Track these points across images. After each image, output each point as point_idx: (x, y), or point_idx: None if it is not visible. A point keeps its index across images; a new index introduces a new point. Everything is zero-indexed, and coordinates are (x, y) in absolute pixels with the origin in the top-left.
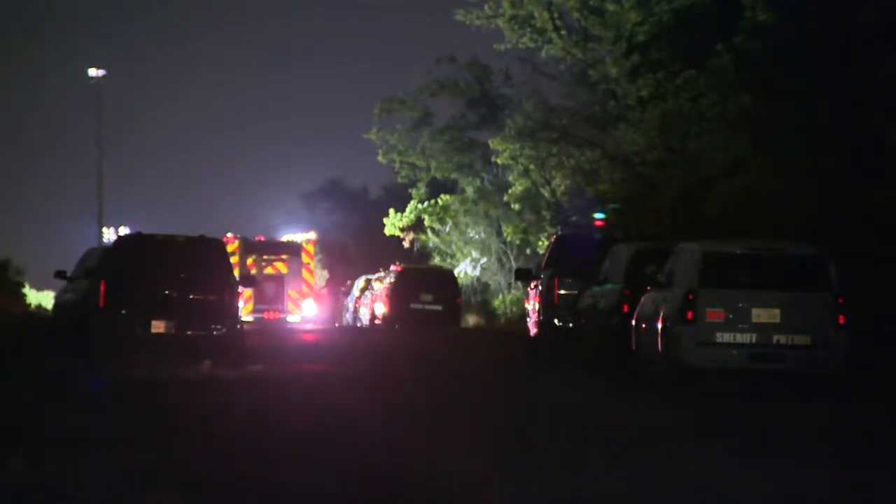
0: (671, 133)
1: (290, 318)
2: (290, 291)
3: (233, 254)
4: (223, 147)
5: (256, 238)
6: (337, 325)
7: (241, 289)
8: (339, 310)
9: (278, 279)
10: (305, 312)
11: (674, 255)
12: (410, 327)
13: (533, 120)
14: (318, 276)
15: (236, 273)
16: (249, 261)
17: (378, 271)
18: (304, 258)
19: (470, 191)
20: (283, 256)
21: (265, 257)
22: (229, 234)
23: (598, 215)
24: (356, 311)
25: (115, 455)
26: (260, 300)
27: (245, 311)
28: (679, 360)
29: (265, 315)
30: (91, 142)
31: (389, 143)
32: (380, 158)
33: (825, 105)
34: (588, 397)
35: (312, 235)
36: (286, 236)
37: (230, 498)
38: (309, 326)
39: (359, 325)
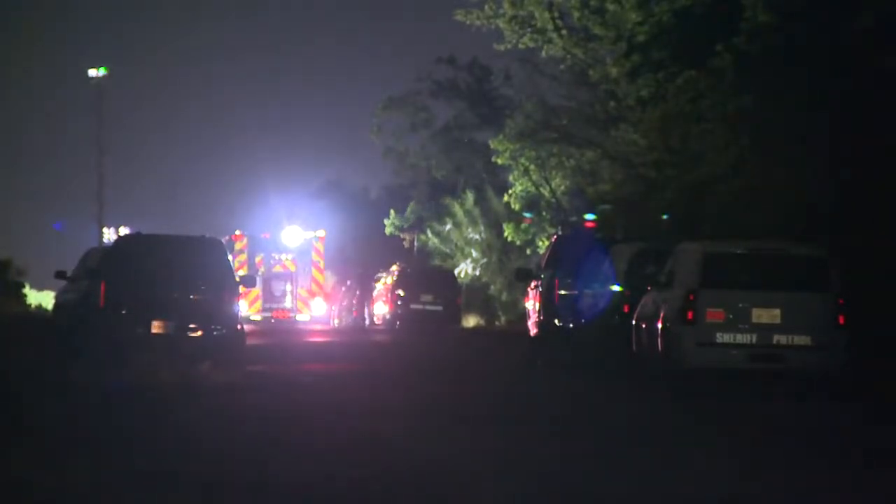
0: (671, 133)
1: (299, 318)
2: (300, 290)
3: (241, 251)
4: (223, 147)
5: (262, 235)
6: (338, 323)
7: (245, 288)
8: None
9: (287, 277)
10: (315, 311)
11: (674, 255)
12: (411, 327)
13: (533, 120)
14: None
15: (243, 272)
16: (258, 258)
17: (378, 271)
18: (314, 256)
19: (470, 197)
20: (292, 254)
21: (274, 255)
22: (238, 232)
23: (589, 216)
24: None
25: (116, 455)
26: (269, 299)
27: (253, 310)
28: (679, 361)
29: (274, 314)
30: (91, 142)
31: (389, 143)
32: (382, 158)
33: (825, 105)
34: (588, 397)
35: (322, 233)
36: (295, 233)
37: (231, 498)
38: (318, 327)
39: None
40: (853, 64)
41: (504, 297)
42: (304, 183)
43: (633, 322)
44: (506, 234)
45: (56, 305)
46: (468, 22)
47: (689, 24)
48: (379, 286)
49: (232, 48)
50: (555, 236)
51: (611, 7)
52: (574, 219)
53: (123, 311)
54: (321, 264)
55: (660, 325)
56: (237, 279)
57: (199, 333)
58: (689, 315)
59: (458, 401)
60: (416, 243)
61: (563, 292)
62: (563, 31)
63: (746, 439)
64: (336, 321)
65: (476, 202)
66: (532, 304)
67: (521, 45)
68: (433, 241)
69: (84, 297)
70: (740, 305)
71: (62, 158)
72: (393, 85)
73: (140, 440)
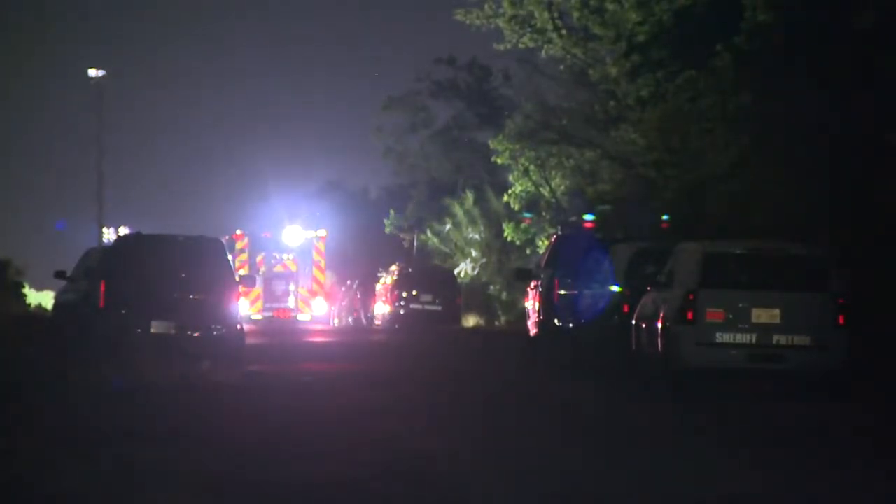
0: (671, 133)
1: (300, 317)
2: (301, 289)
3: (242, 251)
4: (223, 147)
5: (263, 235)
6: (338, 323)
7: (245, 288)
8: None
9: (288, 277)
10: (316, 311)
11: (674, 255)
12: (410, 327)
13: (532, 120)
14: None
15: (244, 271)
16: (259, 258)
17: (379, 271)
18: (315, 255)
19: (470, 197)
20: (293, 254)
21: (275, 255)
22: (238, 231)
23: (588, 217)
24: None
25: (115, 455)
26: (270, 298)
27: (254, 309)
28: (679, 361)
29: (275, 314)
30: (91, 142)
31: (389, 143)
32: (382, 158)
33: (824, 105)
34: (587, 397)
35: (323, 232)
36: (296, 233)
37: (231, 498)
38: (319, 327)
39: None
40: (853, 63)
41: (504, 297)
42: (304, 182)
43: (633, 322)
44: (506, 234)
45: (56, 305)
46: (468, 22)
47: (689, 23)
48: (379, 286)
49: (232, 48)
50: (554, 236)
51: (611, 7)
52: (574, 219)
53: (123, 311)
54: (322, 264)
55: (660, 325)
56: (237, 279)
57: (199, 333)
58: (689, 315)
59: (458, 401)
60: (416, 243)
61: (562, 292)
62: (563, 31)
63: (746, 439)
64: (335, 321)
65: (476, 202)
66: (532, 304)
67: (520, 45)
68: (433, 241)
69: (84, 297)
70: (740, 305)
71: (62, 158)
72: (393, 85)
73: (140, 440)
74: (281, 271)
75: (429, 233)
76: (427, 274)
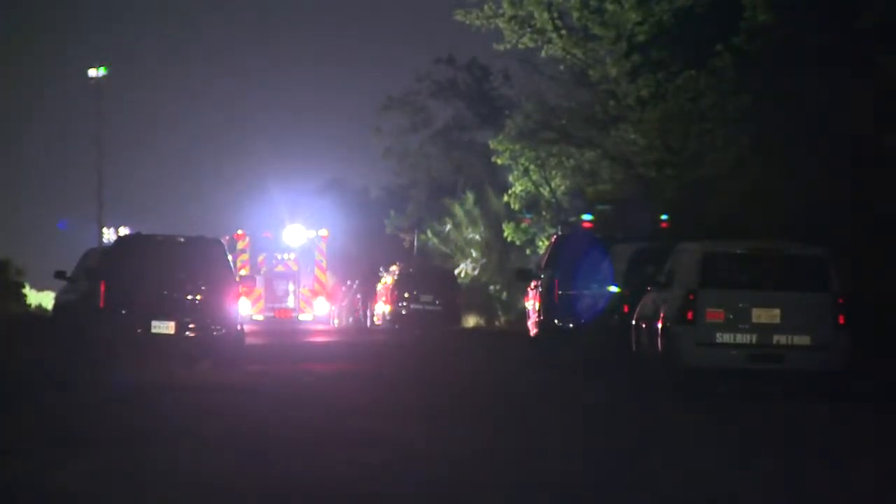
0: (671, 133)
1: (301, 317)
2: (302, 289)
3: (244, 251)
4: (223, 146)
5: (264, 234)
6: (338, 323)
7: (245, 288)
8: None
9: (290, 277)
10: (317, 311)
11: (674, 255)
12: (411, 327)
13: (532, 120)
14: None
15: (245, 271)
16: (260, 258)
17: (379, 271)
18: (317, 255)
19: (470, 197)
20: (294, 253)
21: (276, 254)
22: (240, 231)
23: (586, 217)
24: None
25: (115, 455)
26: (271, 298)
27: (256, 309)
28: (679, 361)
29: (276, 314)
30: (91, 142)
31: (389, 144)
32: (382, 158)
33: (825, 105)
34: (588, 397)
35: (325, 232)
36: (297, 232)
37: (230, 498)
38: (319, 327)
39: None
40: (853, 64)
41: (504, 297)
42: (305, 181)
43: (633, 322)
44: (506, 234)
45: (56, 305)
46: (468, 22)
47: (689, 24)
48: (379, 286)
49: (233, 47)
50: (554, 236)
51: (611, 7)
52: (573, 219)
53: (123, 311)
54: (324, 264)
55: (660, 325)
56: (237, 279)
57: (199, 334)
58: (689, 315)
59: (458, 400)
60: (416, 243)
61: (562, 292)
62: (563, 32)
63: (746, 439)
64: (336, 321)
65: (476, 202)
66: (532, 304)
67: (520, 46)
68: (433, 241)
69: (84, 298)
70: (740, 305)
71: (62, 158)
72: (393, 85)
73: (140, 440)
74: (282, 271)
75: (429, 233)
76: (427, 274)
